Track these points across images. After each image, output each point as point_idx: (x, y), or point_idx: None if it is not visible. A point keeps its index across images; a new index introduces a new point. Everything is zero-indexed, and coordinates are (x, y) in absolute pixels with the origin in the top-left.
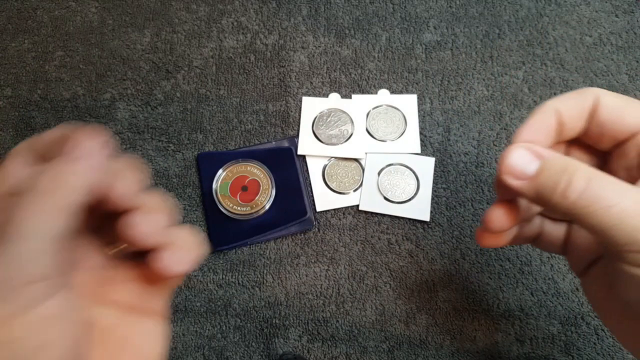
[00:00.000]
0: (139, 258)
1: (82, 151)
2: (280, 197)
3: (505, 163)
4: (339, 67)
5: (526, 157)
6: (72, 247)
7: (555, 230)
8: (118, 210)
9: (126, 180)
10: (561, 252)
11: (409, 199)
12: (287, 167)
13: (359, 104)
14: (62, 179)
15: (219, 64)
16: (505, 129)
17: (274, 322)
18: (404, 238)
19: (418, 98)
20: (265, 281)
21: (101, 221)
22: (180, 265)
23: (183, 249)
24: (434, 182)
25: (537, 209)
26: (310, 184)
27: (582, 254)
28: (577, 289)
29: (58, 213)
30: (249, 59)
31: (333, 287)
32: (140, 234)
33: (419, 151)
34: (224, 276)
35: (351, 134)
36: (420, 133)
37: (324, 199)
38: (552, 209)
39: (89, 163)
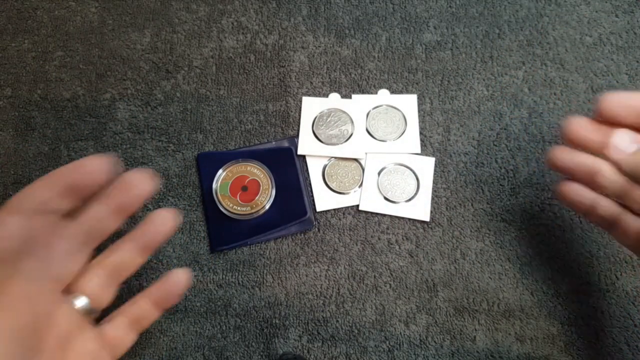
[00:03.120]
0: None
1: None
2: (280, 197)
3: (613, 142)
4: (339, 67)
5: (627, 138)
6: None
7: (635, 223)
8: None
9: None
10: (636, 248)
11: (409, 199)
12: (287, 167)
13: (359, 104)
14: (43, 275)
15: (219, 64)
16: (505, 129)
17: (274, 322)
18: (404, 238)
19: (418, 98)
20: (265, 281)
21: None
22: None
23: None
24: (434, 182)
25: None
26: (310, 184)
27: None
28: (577, 289)
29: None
30: (249, 59)
31: (333, 287)
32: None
33: (419, 151)
34: (224, 276)
35: (351, 134)
36: (420, 133)
37: (324, 199)
38: None
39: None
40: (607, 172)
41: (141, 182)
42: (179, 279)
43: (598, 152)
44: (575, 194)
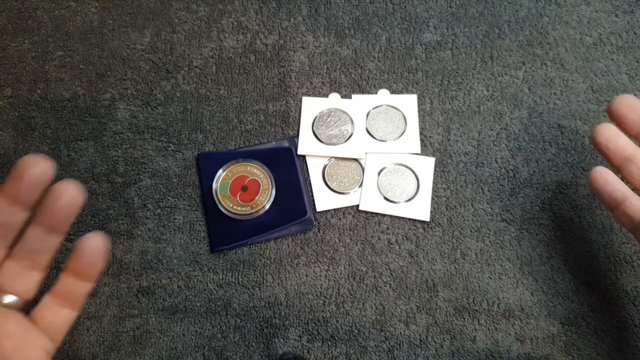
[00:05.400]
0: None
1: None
2: (280, 197)
3: None
4: (339, 67)
5: None
6: None
7: (636, 207)
8: None
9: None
10: (633, 229)
11: (409, 199)
12: (287, 167)
13: (359, 104)
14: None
15: (219, 64)
16: (505, 129)
17: (274, 322)
18: (404, 238)
19: (418, 98)
20: (265, 281)
21: None
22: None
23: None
24: (434, 182)
25: None
26: (310, 184)
27: None
28: (577, 289)
29: None
30: (249, 59)
31: (333, 287)
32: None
33: (419, 151)
34: (224, 276)
35: (351, 134)
36: (420, 133)
37: (324, 199)
38: None
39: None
40: None
41: (32, 167)
42: (92, 244)
43: (637, 134)
44: (606, 183)
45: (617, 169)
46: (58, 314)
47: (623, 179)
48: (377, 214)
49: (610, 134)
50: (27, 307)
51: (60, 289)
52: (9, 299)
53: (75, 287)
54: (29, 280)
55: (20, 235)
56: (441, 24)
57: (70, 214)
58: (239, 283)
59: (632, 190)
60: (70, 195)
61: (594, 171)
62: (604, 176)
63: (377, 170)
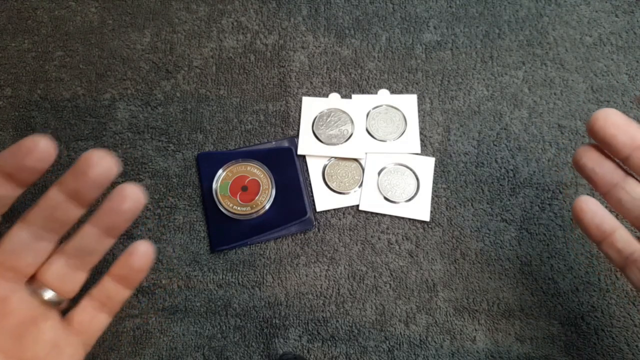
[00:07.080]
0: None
1: None
2: (280, 197)
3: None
4: (339, 67)
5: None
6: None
7: (626, 240)
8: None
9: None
10: (621, 263)
11: (409, 199)
12: (287, 167)
13: (359, 104)
14: None
15: (219, 64)
16: (505, 129)
17: (274, 322)
18: (404, 238)
19: (418, 98)
20: (265, 281)
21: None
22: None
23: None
24: (434, 182)
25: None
26: (310, 184)
27: None
28: (577, 289)
29: None
30: (249, 59)
31: (333, 287)
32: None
33: (419, 151)
34: (224, 276)
35: (351, 134)
36: (420, 133)
37: (324, 199)
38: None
39: None
40: (631, 188)
41: (98, 164)
42: (140, 252)
43: (626, 158)
44: (594, 214)
45: (603, 196)
46: (95, 319)
47: (610, 207)
48: (377, 214)
49: (596, 157)
50: (65, 307)
51: (100, 293)
52: (49, 294)
53: (115, 292)
54: (75, 280)
55: (70, 231)
56: (441, 24)
57: (132, 217)
58: (239, 283)
59: (620, 221)
60: (135, 199)
61: (579, 201)
62: (591, 207)
63: (377, 170)
